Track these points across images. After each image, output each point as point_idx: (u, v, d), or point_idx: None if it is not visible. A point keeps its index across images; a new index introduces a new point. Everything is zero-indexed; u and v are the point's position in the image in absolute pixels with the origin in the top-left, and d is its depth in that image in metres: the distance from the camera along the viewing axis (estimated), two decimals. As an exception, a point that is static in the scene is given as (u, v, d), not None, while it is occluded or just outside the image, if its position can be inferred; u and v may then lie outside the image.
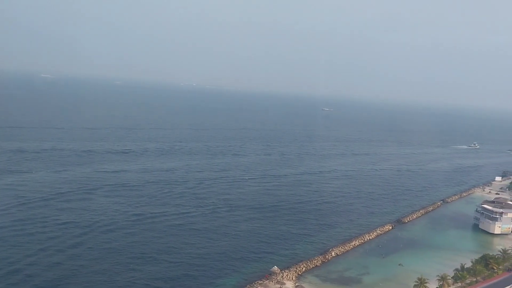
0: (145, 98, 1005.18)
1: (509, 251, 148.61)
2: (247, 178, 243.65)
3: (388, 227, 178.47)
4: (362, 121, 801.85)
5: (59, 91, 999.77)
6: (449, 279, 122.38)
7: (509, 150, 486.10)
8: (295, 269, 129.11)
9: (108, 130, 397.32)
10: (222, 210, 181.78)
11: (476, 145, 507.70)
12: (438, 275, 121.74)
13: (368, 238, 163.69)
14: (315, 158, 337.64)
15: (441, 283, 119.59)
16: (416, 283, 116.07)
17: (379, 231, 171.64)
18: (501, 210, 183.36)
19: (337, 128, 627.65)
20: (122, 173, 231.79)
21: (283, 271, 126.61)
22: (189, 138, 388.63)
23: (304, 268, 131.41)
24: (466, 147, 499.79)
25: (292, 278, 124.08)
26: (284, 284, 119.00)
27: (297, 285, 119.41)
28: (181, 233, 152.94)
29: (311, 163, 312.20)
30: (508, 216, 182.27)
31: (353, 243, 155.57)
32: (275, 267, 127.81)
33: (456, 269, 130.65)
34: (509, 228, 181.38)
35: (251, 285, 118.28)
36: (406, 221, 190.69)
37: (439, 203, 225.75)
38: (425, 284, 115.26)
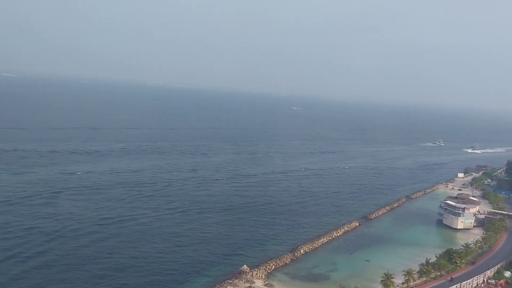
0: (111, 97, 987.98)
1: (471, 245, 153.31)
2: (220, 178, 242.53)
3: (355, 223, 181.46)
4: (330, 120, 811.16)
5: (22, 90, 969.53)
6: (414, 273, 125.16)
7: (471, 147, 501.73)
8: (265, 268, 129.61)
9: (73, 130, 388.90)
10: (191, 212, 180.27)
11: (441, 142, 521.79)
12: (404, 270, 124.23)
13: (336, 235, 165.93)
14: (284, 157, 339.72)
15: (407, 278, 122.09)
16: (383, 279, 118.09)
17: (346, 228, 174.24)
18: (463, 205, 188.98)
19: (305, 127, 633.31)
20: (88, 175, 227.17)
21: (252, 270, 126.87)
22: (156, 138, 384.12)
23: (273, 266, 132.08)
24: (431, 144, 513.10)
25: (261, 276, 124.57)
26: (254, 282, 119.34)
27: (267, 283, 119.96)
28: (149, 236, 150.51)
29: (280, 162, 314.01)
30: (470, 211, 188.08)
31: (321, 240, 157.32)
32: (245, 266, 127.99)
33: (421, 264, 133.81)
34: (471, 223, 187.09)
35: (221, 284, 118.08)
36: (372, 217, 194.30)
37: (404, 200, 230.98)
38: (391, 279, 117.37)
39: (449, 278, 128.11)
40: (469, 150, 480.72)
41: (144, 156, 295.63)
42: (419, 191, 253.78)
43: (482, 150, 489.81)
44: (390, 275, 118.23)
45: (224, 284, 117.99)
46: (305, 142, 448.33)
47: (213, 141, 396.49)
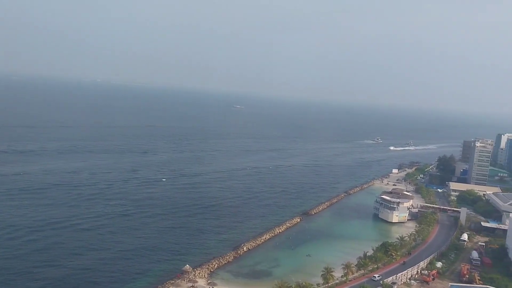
0: (46, 94, 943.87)
1: (406, 238, 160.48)
2: (162, 179, 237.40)
3: (296, 219, 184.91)
4: (273, 119, 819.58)
5: None
6: (353, 267, 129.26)
7: (406, 144, 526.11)
8: (207, 267, 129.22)
9: (4, 129, 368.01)
10: (133, 214, 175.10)
11: (379, 139, 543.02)
12: (343, 264, 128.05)
13: (278, 231, 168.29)
14: (227, 155, 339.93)
15: (345, 271, 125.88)
16: (323, 272, 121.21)
17: (288, 224, 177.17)
18: (398, 200, 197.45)
19: (248, 125, 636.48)
20: (21, 176, 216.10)
21: (195, 269, 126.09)
22: (94, 137, 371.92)
23: (216, 265, 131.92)
24: (369, 141, 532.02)
25: (204, 275, 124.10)
26: (197, 282, 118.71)
27: (210, 282, 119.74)
28: (89, 241, 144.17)
29: (224, 161, 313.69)
30: (404, 205, 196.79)
31: (264, 237, 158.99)
32: (187, 266, 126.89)
33: (359, 257, 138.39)
34: (405, 216, 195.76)
35: (163, 285, 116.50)
36: (313, 213, 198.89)
37: (342, 195, 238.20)
38: (331, 273, 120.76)
39: (402, 262, 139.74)
40: (392, 148, 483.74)
41: (82, 155, 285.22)
42: (357, 186, 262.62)
43: (416, 147, 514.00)
44: (330, 268, 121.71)
45: (166, 285, 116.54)
46: (248, 140, 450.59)
47: (153, 139, 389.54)
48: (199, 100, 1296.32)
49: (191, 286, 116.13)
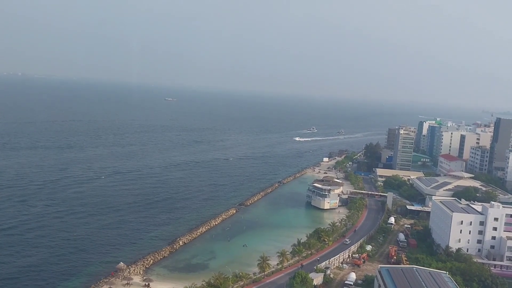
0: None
1: (337, 224, 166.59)
2: (95, 177, 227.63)
3: (232, 211, 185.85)
4: (206, 110, 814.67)
5: None
6: (288, 254, 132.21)
7: (337, 133, 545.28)
8: (142, 263, 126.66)
9: None
10: (63, 214, 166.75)
11: (314, 129, 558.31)
12: (278, 252, 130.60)
13: (214, 223, 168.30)
14: (160, 150, 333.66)
15: (281, 258, 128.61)
16: (259, 261, 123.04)
17: (224, 216, 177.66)
18: (329, 187, 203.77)
19: (181, 117, 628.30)
20: None
21: (129, 266, 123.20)
22: (14, 133, 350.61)
23: (151, 261, 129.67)
24: (305, 131, 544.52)
25: (139, 272, 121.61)
26: (132, 279, 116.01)
27: (145, 278, 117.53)
28: (17, 245, 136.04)
29: (156, 155, 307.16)
30: (335, 192, 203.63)
31: (200, 230, 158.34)
32: (121, 263, 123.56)
33: (294, 245, 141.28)
34: (336, 203, 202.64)
35: (96, 284, 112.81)
36: (249, 204, 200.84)
37: (276, 185, 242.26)
38: (267, 262, 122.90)
39: (353, 230, 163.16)
40: (297, 139, 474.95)
41: (4, 153, 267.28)
42: (290, 176, 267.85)
43: (345, 136, 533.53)
44: (266, 257, 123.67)
45: (100, 284, 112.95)
46: (181, 133, 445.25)
47: (79, 134, 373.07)
48: (127, 94, 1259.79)
49: (126, 284, 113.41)
